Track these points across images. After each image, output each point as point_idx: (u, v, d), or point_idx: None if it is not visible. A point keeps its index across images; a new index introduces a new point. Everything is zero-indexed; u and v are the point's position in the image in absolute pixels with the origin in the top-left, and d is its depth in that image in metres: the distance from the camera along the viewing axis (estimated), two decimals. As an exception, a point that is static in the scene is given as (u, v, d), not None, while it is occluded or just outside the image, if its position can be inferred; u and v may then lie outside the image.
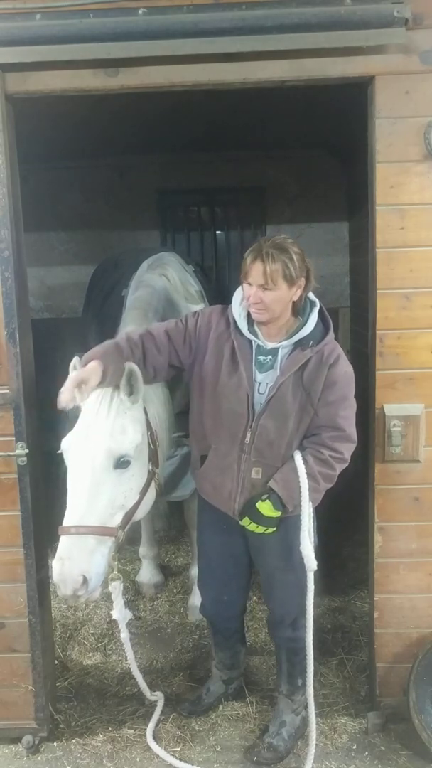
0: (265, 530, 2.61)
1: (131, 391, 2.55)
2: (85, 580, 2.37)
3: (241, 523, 2.64)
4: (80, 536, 2.40)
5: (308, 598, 2.65)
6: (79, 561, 2.37)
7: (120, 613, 2.71)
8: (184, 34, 2.50)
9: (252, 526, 2.61)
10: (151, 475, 2.71)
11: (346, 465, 2.62)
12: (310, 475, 2.53)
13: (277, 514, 2.57)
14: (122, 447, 2.50)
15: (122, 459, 2.50)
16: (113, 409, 2.53)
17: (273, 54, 2.56)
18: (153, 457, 2.72)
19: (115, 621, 2.75)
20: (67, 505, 2.48)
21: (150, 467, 2.69)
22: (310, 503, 2.58)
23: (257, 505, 2.58)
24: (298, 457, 2.55)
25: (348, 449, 2.59)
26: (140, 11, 2.50)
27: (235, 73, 2.61)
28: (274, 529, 2.61)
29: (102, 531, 2.45)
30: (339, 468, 2.58)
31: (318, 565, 2.75)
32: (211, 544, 2.91)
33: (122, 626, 2.76)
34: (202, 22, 2.49)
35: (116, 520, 2.51)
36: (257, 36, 2.50)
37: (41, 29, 2.52)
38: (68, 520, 2.44)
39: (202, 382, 2.65)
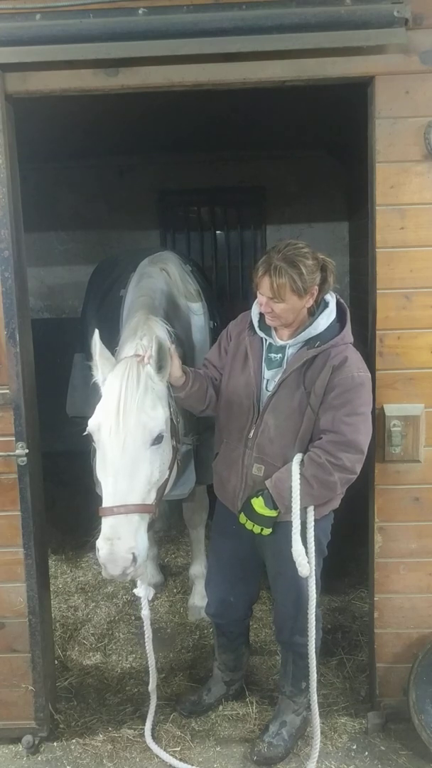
0: (261, 531, 2.60)
1: (160, 367, 2.58)
2: (134, 558, 2.40)
3: (239, 520, 2.65)
4: (126, 515, 2.42)
5: (310, 606, 2.64)
6: (127, 540, 2.40)
7: (145, 590, 2.73)
8: (184, 34, 2.50)
9: (248, 524, 2.61)
10: (175, 451, 2.75)
11: (351, 476, 2.55)
12: (304, 478, 2.50)
13: (271, 513, 2.56)
14: (157, 423, 2.53)
15: (158, 435, 2.53)
16: (142, 384, 2.54)
17: (273, 54, 2.56)
18: (175, 434, 2.76)
19: (115, 619, 2.75)
20: (106, 485, 2.49)
21: (173, 443, 2.72)
22: (312, 507, 2.58)
23: (251, 500, 2.59)
24: (296, 459, 2.55)
25: (349, 458, 2.50)
26: (140, 11, 2.50)
27: (235, 73, 2.61)
28: (270, 530, 2.60)
29: (144, 508, 2.48)
30: (338, 476, 2.51)
31: (320, 570, 2.75)
32: (220, 544, 2.93)
33: (144, 603, 2.78)
34: (202, 22, 2.49)
35: (152, 496, 2.54)
36: (257, 36, 2.50)
37: (41, 29, 2.52)
38: (111, 500, 2.44)
39: (223, 377, 2.76)
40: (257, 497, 2.58)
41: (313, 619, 2.66)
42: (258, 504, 2.57)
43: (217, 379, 2.81)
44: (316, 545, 2.62)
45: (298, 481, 2.50)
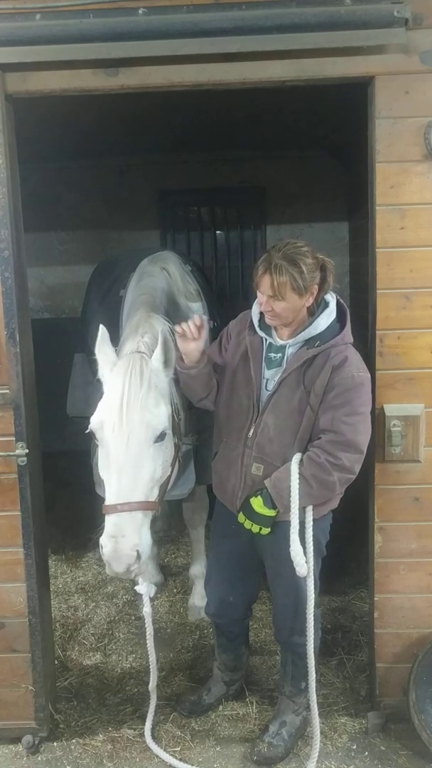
0: (260, 530, 2.60)
1: (166, 362, 2.60)
2: (138, 555, 2.42)
3: (238, 520, 2.65)
4: (130, 513, 2.43)
5: (308, 606, 2.63)
6: (131, 537, 2.42)
7: (146, 587, 2.74)
8: (184, 34, 2.50)
9: (247, 524, 2.61)
10: (177, 448, 2.76)
11: (351, 476, 2.55)
12: (303, 477, 2.50)
13: (270, 513, 2.56)
14: (160, 420, 2.54)
15: (161, 432, 2.53)
16: (146, 381, 2.54)
17: (273, 54, 2.56)
18: (177, 431, 2.77)
19: (115, 619, 2.74)
20: (109, 483, 2.50)
21: (175, 440, 2.73)
22: (311, 507, 2.57)
23: (250, 500, 2.59)
24: (295, 458, 2.55)
25: (349, 458, 2.50)
26: (140, 11, 2.50)
27: (235, 73, 2.61)
28: (268, 530, 2.60)
29: (147, 506, 2.49)
30: (337, 476, 2.51)
31: (320, 570, 2.75)
32: (220, 544, 2.93)
33: (146, 600, 2.79)
34: (202, 22, 2.49)
35: (155, 493, 2.56)
36: (257, 36, 2.50)
37: (41, 29, 2.52)
38: (115, 497, 2.45)
39: (223, 376, 2.76)
40: (256, 497, 2.58)
41: (312, 619, 2.65)
42: (257, 503, 2.57)
43: (217, 374, 2.81)
44: (315, 545, 2.62)
45: (297, 480, 2.50)
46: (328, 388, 2.52)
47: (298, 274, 2.44)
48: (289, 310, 2.52)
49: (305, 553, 2.55)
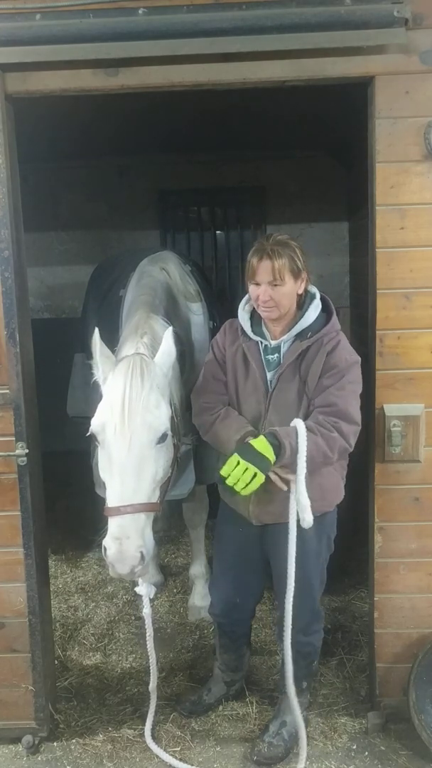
0: (253, 477, 2.41)
1: (168, 363, 2.62)
2: (142, 556, 2.42)
3: (222, 473, 2.47)
4: (133, 515, 2.43)
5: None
6: (135, 539, 2.41)
7: (146, 588, 2.73)
8: (184, 34, 2.50)
9: (237, 470, 2.42)
10: (177, 449, 2.76)
11: (347, 446, 2.54)
12: (309, 428, 2.48)
13: (270, 453, 2.42)
14: (162, 421, 2.53)
15: (162, 433, 2.53)
16: (147, 382, 2.54)
17: (273, 54, 2.56)
18: (176, 431, 2.77)
19: (115, 619, 2.74)
20: (111, 485, 2.49)
21: (174, 440, 2.73)
22: (304, 468, 2.47)
23: (250, 441, 2.48)
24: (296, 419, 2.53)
25: (346, 426, 2.51)
26: (140, 11, 2.51)
27: (235, 73, 2.61)
28: (262, 478, 2.42)
29: (150, 507, 2.49)
30: (337, 434, 2.49)
31: (326, 565, 2.75)
32: (227, 546, 2.92)
33: (146, 601, 2.78)
34: (202, 22, 2.49)
35: (156, 494, 2.56)
36: (257, 36, 2.51)
37: (41, 29, 2.52)
38: (118, 499, 2.45)
39: (229, 387, 2.75)
40: (257, 438, 2.48)
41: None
42: (259, 442, 2.44)
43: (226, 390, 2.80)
44: (325, 541, 2.64)
45: (304, 427, 2.47)
46: (324, 372, 2.56)
47: (293, 255, 2.53)
48: (288, 296, 2.55)
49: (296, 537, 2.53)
